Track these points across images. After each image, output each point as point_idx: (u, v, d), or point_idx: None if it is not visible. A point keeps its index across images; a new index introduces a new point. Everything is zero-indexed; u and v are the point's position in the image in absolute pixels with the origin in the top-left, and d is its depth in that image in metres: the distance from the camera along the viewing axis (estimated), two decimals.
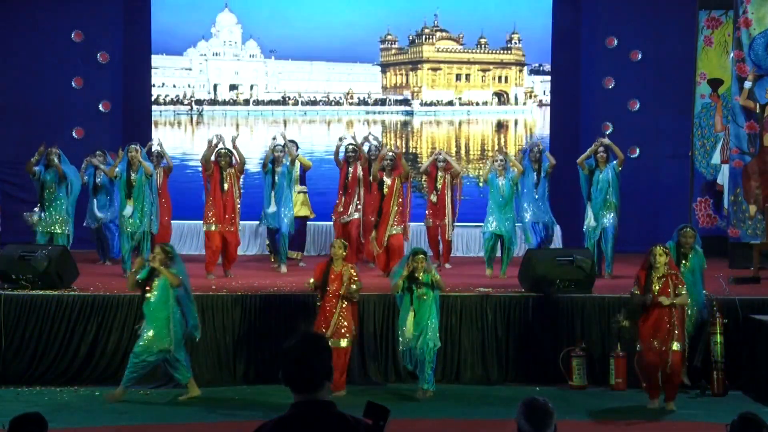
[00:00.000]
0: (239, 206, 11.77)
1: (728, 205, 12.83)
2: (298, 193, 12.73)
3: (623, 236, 12.18)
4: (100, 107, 14.79)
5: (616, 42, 14.72)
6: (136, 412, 8.83)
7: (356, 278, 9.27)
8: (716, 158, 13.77)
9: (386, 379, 9.95)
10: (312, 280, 9.34)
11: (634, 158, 14.35)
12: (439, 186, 12.53)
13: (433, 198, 12.54)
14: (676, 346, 8.69)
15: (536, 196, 12.08)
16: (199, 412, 8.82)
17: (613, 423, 8.51)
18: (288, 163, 12.13)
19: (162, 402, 9.21)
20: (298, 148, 12.91)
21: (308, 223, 13.27)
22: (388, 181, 11.69)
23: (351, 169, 12.43)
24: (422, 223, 12.99)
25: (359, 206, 12.37)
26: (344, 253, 9.34)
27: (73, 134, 14.54)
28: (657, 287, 8.74)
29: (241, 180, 12.18)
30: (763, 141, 12.44)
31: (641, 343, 8.80)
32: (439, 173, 12.55)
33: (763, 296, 10.21)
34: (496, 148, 14.09)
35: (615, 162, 11.65)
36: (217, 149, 11.60)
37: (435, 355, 9.24)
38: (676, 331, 8.71)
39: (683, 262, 9.45)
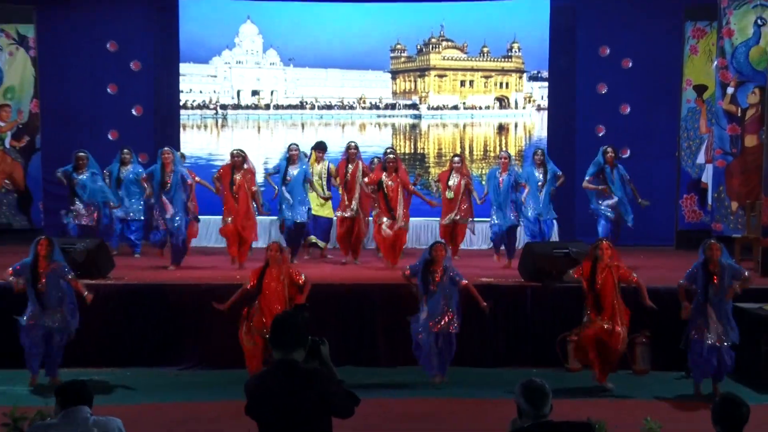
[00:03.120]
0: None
1: (712, 202, 12.85)
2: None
3: None
4: (133, 111, 14.89)
5: (608, 51, 14.74)
6: (144, 391, 8.96)
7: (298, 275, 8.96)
8: (701, 158, 13.79)
9: (396, 362, 9.94)
10: (248, 285, 8.95)
11: (626, 158, 14.36)
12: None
13: (449, 195, 12.37)
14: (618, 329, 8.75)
15: (541, 197, 12.16)
16: (217, 390, 8.88)
17: (606, 402, 8.56)
18: (306, 165, 12.07)
19: (168, 381, 9.40)
20: (325, 150, 12.87)
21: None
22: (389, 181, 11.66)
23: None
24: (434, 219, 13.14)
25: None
26: (280, 256, 8.90)
27: (109, 136, 14.65)
28: (601, 277, 8.78)
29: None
30: (744, 142, 12.45)
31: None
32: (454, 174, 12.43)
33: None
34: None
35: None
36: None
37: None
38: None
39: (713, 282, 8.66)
